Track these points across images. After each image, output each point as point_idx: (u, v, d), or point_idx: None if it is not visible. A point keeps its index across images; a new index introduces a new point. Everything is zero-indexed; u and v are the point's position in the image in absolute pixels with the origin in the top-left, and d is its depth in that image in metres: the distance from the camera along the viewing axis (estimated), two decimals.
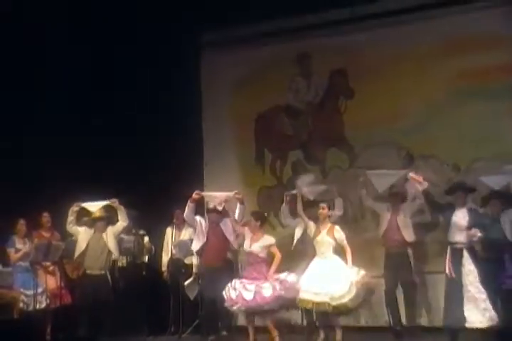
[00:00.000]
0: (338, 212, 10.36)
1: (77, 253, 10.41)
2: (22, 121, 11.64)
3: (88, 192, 10.33)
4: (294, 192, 10.55)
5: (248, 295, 9.47)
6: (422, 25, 11.01)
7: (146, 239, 11.35)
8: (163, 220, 11.20)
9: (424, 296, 10.23)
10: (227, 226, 10.26)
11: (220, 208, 10.25)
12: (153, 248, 11.40)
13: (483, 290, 8.94)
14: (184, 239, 10.93)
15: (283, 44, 12.03)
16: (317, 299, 9.39)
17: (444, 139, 10.82)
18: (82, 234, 10.33)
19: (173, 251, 10.92)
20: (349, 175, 11.31)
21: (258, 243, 9.71)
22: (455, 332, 8.87)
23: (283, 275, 9.48)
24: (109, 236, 10.40)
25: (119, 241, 10.63)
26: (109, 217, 10.57)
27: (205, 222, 10.20)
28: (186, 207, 10.00)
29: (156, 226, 11.32)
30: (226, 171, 12.39)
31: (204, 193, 10.26)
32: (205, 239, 10.07)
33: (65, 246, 10.52)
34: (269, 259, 9.72)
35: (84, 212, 10.66)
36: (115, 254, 10.51)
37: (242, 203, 10.14)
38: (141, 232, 11.27)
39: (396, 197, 10.05)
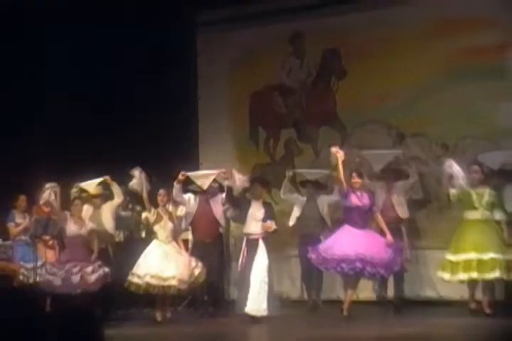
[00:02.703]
0: (336, 197, 10.55)
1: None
2: (25, 100, 11.80)
3: (85, 169, 10.52)
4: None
5: (75, 279, 9.90)
6: (413, 7, 11.24)
7: (144, 215, 11.20)
8: None
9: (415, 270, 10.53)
10: (216, 203, 10.57)
11: (205, 187, 10.53)
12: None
13: (267, 280, 9.65)
14: (180, 215, 11.03)
15: (277, 24, 12.21)
16: (153, 282, 9.75)
17: (434, 118, 11.11)
18: (84, 212, 10.53)
19: None
20: None
21: (85, 226, 10.22)
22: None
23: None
24: (105, 212, 10.67)
25: (117, 217, 10.83)
26: (104, 194, 10.78)
27: (195, 200, 10.52)
28: (173, 188, 10.30)
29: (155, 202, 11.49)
30: (221, 149, 12.62)
31: (189, 173, 10.50)
32: (192, 217, 10.48)
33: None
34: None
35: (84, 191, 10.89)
36: (109, 230, 10.72)
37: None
38: (138, 208, 11.30)
39: (391, 175, 10.31)
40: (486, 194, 9.53)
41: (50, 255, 10.77)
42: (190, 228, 10.78)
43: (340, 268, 9.35)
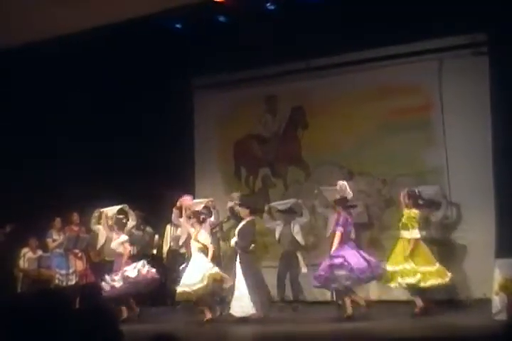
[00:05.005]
0: (305, 219, 11.80)
1: (99, 245, 12.08)
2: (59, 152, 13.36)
3: (106, 199, 11.85)
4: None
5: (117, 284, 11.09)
6: (361, 74, 12.45)
7: (157, 236, 12.59)
8: (165, 220, 12.47)
9: None
10: (205, 225, 11.34)
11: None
12: (161, 243, 12.55)
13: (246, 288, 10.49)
14: (178, 234, 12.12)
15: (255, 87, 13.39)
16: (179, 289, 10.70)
17: (374, 160, 12.22)
18: (102, 231, 11.91)
19: (171, 244, 12.46)
20: (305, 188, 12.69)
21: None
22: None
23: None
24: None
25: (131, 235, 11.80)
26: (121, 219, 11.83)
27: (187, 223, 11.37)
28: (173, 213, 11.57)
29: (161, 224, 12.72)
30: (213, 184, 13.63)
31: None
32: (186, 235, 11.42)
33: (89, 239, 12.20)
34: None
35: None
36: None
37: (214, 208, 11.72)
38: (149, 230, 12.53)
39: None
40: (415, 214, 10.38)
41: (79, 264, 12.14)
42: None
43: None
